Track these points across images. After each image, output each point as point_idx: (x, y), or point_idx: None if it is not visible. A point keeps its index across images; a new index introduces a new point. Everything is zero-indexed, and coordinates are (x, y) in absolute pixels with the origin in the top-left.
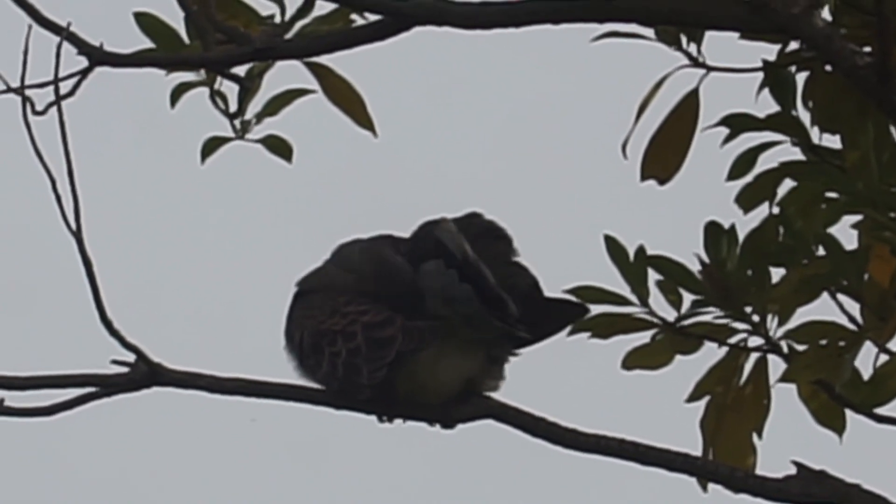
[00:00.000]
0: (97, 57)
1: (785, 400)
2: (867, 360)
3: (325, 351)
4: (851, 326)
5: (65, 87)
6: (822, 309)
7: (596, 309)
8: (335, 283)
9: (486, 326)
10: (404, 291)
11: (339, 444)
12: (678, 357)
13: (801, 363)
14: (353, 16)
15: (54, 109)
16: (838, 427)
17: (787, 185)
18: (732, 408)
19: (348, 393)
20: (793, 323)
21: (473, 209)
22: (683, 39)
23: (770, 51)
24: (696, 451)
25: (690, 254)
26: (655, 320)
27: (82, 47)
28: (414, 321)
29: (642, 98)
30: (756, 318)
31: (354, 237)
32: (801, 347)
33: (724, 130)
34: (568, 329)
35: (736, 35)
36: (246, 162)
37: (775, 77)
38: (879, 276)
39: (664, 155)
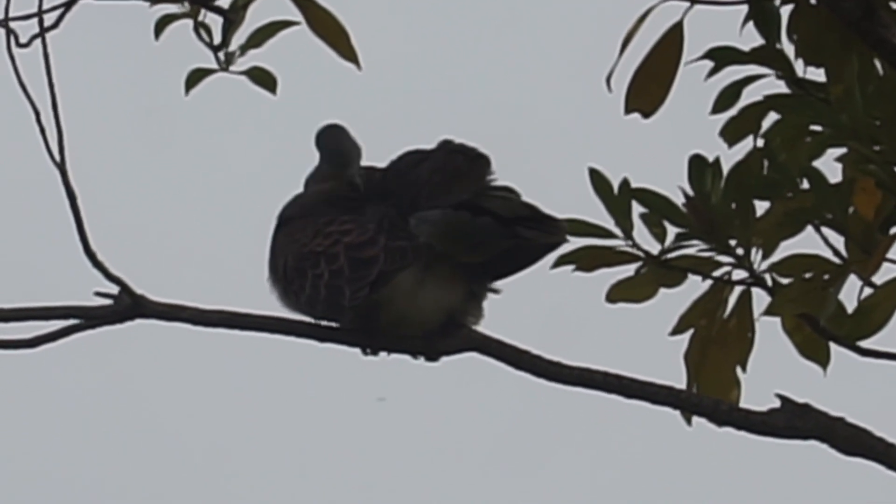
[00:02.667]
0: None
1: (769, 333)
2: (851, 293)
3: (309, 273)
4: (836, 260)
5: (49, 19)
6: (807, 242)
7: (580, 242)
8: (315, 207)
9: (486, 233)
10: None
11: (323, 377)
12: (662, 290)
13: (786, 296)
14: None
15: (38, 41)
16: (822, 360)
17: (772, 118)
18: (716, 341)
19: (331, 317)
20: (777, 256)
21: (447, 137)
22: None
23: None
24: (681, 384)
25: (675, 187)
26: (639, 253)
27: None
28: (397, 241)
29: (626, 31)
30: (740, 251)
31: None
32: (785, 281)
33: (709, 64)
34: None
35: None
36: (230, 94)
37: (760, 10)
38: (864, 209)
39: (648, 88)
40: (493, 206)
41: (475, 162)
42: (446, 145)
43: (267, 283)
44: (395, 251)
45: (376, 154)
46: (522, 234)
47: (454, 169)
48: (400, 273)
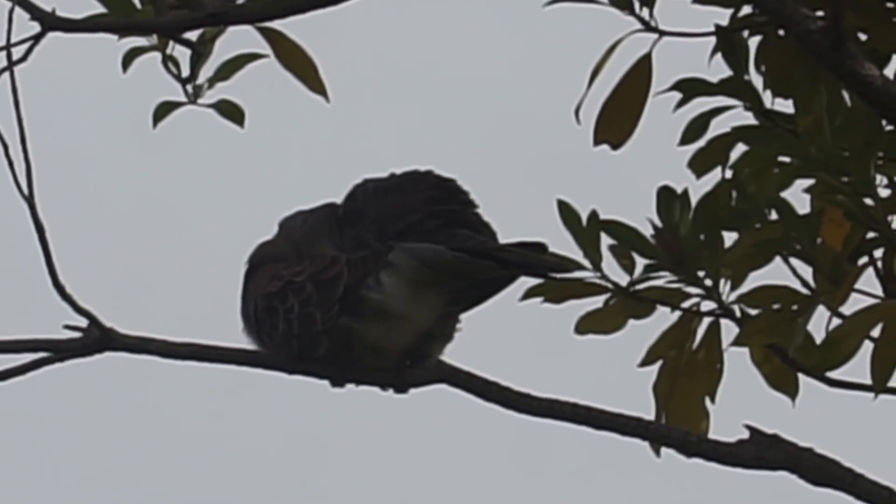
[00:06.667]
0: (49, 22)
1: (737, 364)
2: (820, 324)
3: (279, 310)
4: (804, 290)
5: (17, 52)
6: (775, 273)
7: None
8: (281, 253)
9: (466, 263)
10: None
11: (291, 410)
12: (631, 321)
13: (754, 327)
14: None
15: (6, 75)
16: (791, 391)
17: (740, 149)
18: (685, 372)
19: (307, 350)
20: (745, 287)
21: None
22: (636, 4)
23: (723, 15)
24: (650, 415)
25: (643, 218)
26: (608, 285)
27: (34, 13)
28: (357, 253)
29: (595, 63)
30: (709, 282)
31: (297, 209)
32: (753, 311)
33: (677, 95)
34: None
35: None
36: (198, 127)
37: (728, 42)
38: (832, 240)
39: (617, 120)
40: (487, 246)
41: (448, 188)
42: (415, 174)
43: (243, 333)
44: (356, 262)
45: (347, 186)
46: (520, 272)
47: (430, 194)
48: (369, 296)
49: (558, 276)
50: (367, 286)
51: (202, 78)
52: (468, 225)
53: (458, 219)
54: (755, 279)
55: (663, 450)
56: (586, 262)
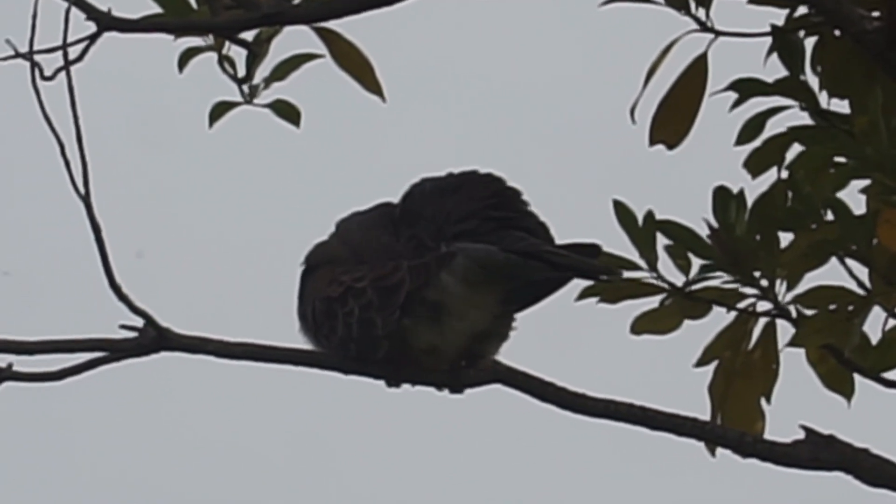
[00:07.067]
0: (105, 22)
1: (793, 365)
2: (876, 324)
3: (339, 314)
4: (860, 291)
5: (73, 52)
6: (831, 274)
7: None
8: (338, 256)
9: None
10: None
11: (347, 410)
12: (687, 322)
13: (810, 328)
14: None
15: (63, 75)
16: (847, 392)
17: (796, 149)
18: (741, 373)
19: (365, 353)
20: (801, 288)
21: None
22: (692, 4)
23: (779, 15)
24: (705, 415)
25: (699, 219)
26: (664, 285)
27: (91, 13)
28: (418, 259)
29: (651, 63)
30: (765, 282)
31: (353, 210)
32: (809, 312)
33: (733, 95)
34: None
35: (744, 0)
36: (254, 127)
37: (784, 42)
38: (888, 240)
39: (673, 120)
40: (543, 250)
41: (505, 190)
42: (473, 175)
43: (299, 332)
44: (418, 269)
45: (403, 186)
46: (571, 273)
47: (487, 196)
48: (427, 298)
49: (607, 278)
50: (426, 288)
51: (258, 78)
52: (524, 228)
53: (514, 222)
54: (811, 280)
55: (719, 450)
56: (642, 262)
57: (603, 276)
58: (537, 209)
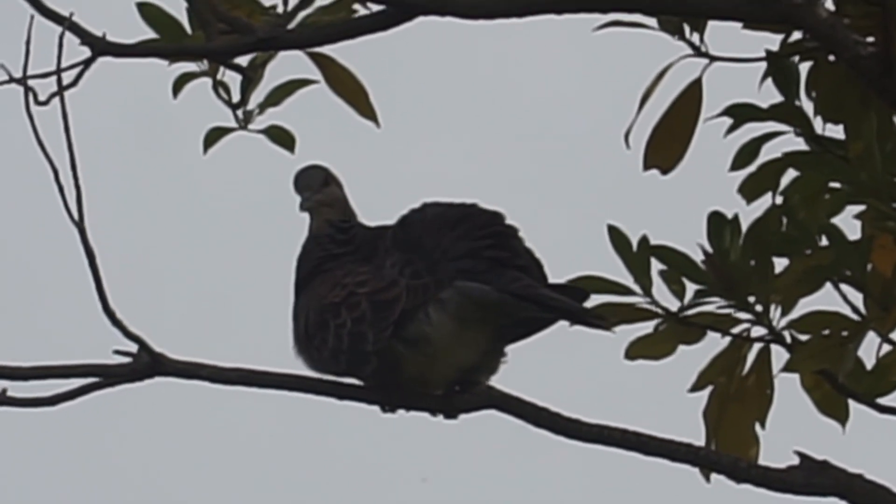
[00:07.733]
0: (100, 47)
1: (788, 390)
2: (870, 350)
3: (331, 324)
4: (854, 316)
5: (67, 77)
6: (826, 299)
7: (599, 299)
8: (330, 261)
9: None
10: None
11: (341, 435)
12: (681, 347)
13: (804, 353)
14: (356, 6)
15: (57, 99)
16: (841, 417)
17: (791, 175)
18: (735, 398)
19: (355, 369)
20: (796, 313)
21: (470, 200)
22: (686, 29)
23: (773, 41)
24: (699, 441)
25: (694, 244)
26: (658, 310)
27: (85, 37)
28: (418, 279)
29: (645, 88)
30: (759, 308)
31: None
32: (804, 337)
33: (727, 120)
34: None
35: (739, 25)
36: (248, 152)
37: (778, 67)
38: (882, 266)
39: (667, 144)
40: (537, 294)
41: (503, 228)
42: (473, 209)
43: (293, 350)
44: (416, 288)
45: (399, 212)
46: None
47: (485, 235)
48: (418, 327)
49: (600, 325)
50: (418, 317)
51: (253, 103)
52: (518, 266)
53: (509, 261)
54: (805, 305)
55: (713, 476)
56: (636, 288)
57: (596, 323)
58: (532, 246)
